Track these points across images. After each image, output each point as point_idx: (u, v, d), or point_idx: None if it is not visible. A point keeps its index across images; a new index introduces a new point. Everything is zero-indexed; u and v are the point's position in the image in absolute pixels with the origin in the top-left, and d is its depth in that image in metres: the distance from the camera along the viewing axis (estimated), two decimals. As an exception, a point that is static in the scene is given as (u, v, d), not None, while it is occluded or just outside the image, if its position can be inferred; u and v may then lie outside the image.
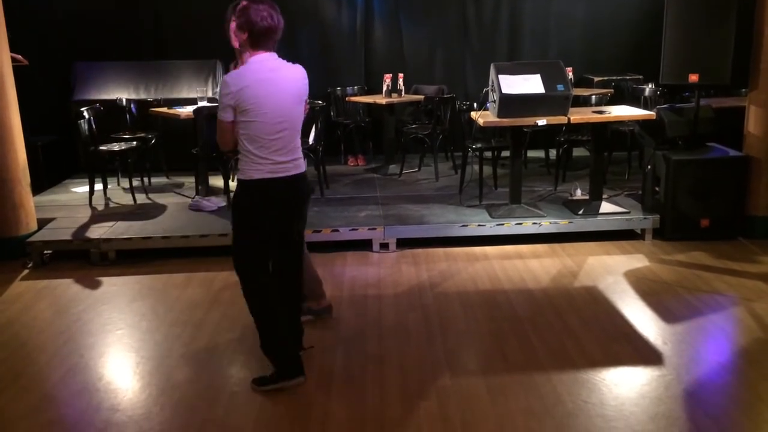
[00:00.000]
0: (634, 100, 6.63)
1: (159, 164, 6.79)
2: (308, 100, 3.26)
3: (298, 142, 3.15)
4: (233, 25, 2.97)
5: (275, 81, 2.98)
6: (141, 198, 6.08)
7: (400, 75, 6.96)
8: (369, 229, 5.11)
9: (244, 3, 2.95)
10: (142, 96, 7.09)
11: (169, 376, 3.32)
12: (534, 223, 5.15)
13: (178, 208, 5.79)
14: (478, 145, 5.97)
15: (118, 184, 6.64)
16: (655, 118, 5.18)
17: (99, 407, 3.05)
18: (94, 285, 4.57)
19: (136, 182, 6.25)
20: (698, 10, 4.93)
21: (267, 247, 3.15)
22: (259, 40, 2.96)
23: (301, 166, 3.14)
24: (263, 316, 3.16)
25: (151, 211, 5.70)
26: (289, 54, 9.15)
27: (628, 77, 7.35)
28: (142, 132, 6.60)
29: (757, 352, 3.41)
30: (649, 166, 5.35)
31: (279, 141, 3.01)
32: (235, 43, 3.01)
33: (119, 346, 3.67)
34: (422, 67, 7.76)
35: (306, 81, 3.14)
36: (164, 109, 6.28)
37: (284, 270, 3.32)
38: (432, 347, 3.55)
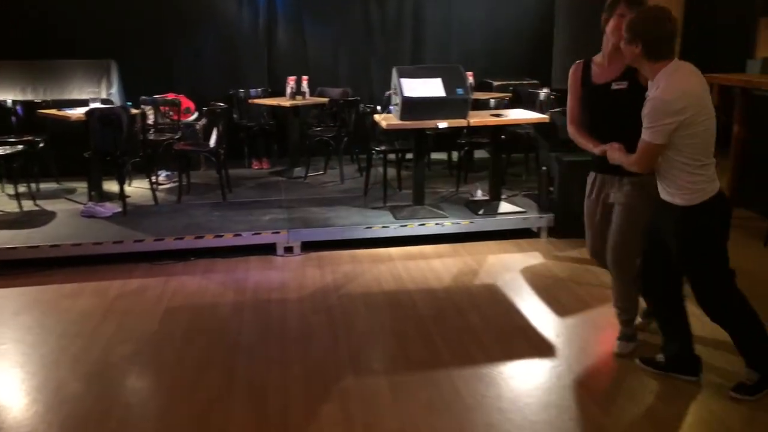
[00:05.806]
0: (531, 104, 6.89)
1: (49, 169, 6.42)
2: None
3: None
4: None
5: None
6: (28, 205, 5.72)
7: (305, 77, 6.91)
8: (273, 232, 5.04)
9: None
10: (29, 97, 6.70)
11: (56, 392, 3.14)
12: (437, 224, 5.26)
13: (70, 214, 5.50)
14: (383, 148, 6.02)
15: (3, 191, 6.24)
16: (548, 121, 5.42)
17: (-23, 429, 2.86)
18: (-25, 298, 4.27)
19: (22, 188, 5.89)
20: (583, 17, 5.20)
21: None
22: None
23: None
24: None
25: (39, 218, 5.38)
26: (187, 52, 8.80)
27: (525, 82, 7.63)
28: (30, 135, 6.22)
29: (640, 339, 3.62)
30: (543, 167, 5.59)
31: None
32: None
33: (2, 362, 3.44)
34: (327, 70, 7.74)
35: None
36: (53, 111, 5.95)
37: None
38: (336, 349, 3.55)
